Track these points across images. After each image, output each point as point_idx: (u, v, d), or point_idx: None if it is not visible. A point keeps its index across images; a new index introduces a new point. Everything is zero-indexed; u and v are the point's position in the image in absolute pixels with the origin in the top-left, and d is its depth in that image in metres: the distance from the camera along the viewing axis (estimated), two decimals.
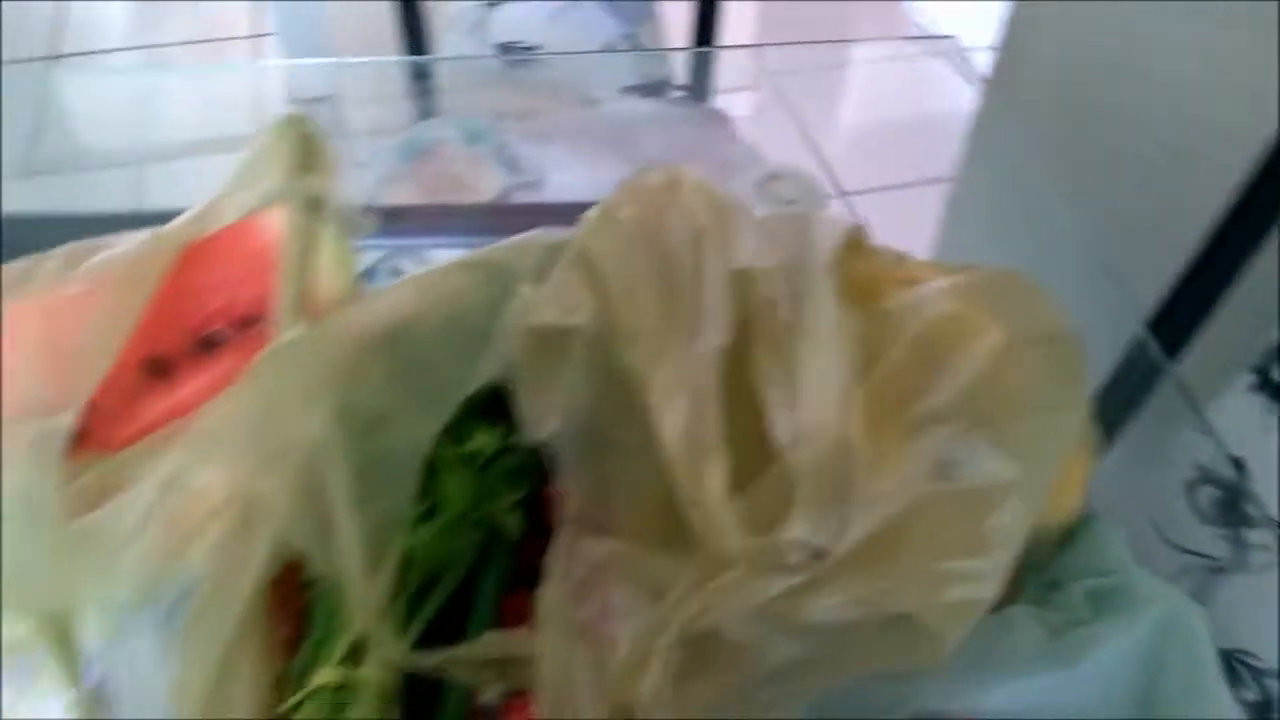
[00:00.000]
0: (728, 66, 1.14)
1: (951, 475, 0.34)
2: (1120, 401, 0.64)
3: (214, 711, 0.33)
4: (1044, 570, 0.47)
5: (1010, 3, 0.88)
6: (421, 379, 0.37)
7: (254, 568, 0.35)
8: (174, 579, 0.34)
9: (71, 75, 1.47)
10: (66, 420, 0.39)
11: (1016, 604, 0.45)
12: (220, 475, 0.35)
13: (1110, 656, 0.42)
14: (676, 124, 0.97)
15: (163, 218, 0.46)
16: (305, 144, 0.44)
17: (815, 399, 0.32)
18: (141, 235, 0.43)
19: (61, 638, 0.35)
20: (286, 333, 0.40)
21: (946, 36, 0.93)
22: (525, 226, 0.42)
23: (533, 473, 0.39)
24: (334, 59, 1.44)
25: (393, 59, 1.18)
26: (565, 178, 0.95)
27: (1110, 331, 0.66)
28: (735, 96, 1.08)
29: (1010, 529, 0.35)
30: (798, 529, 0.29)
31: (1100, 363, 0.63)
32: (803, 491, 0.30)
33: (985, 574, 0.35)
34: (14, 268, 0.47)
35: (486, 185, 0.99)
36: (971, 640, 0.43)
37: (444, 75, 1.04)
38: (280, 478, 0.34)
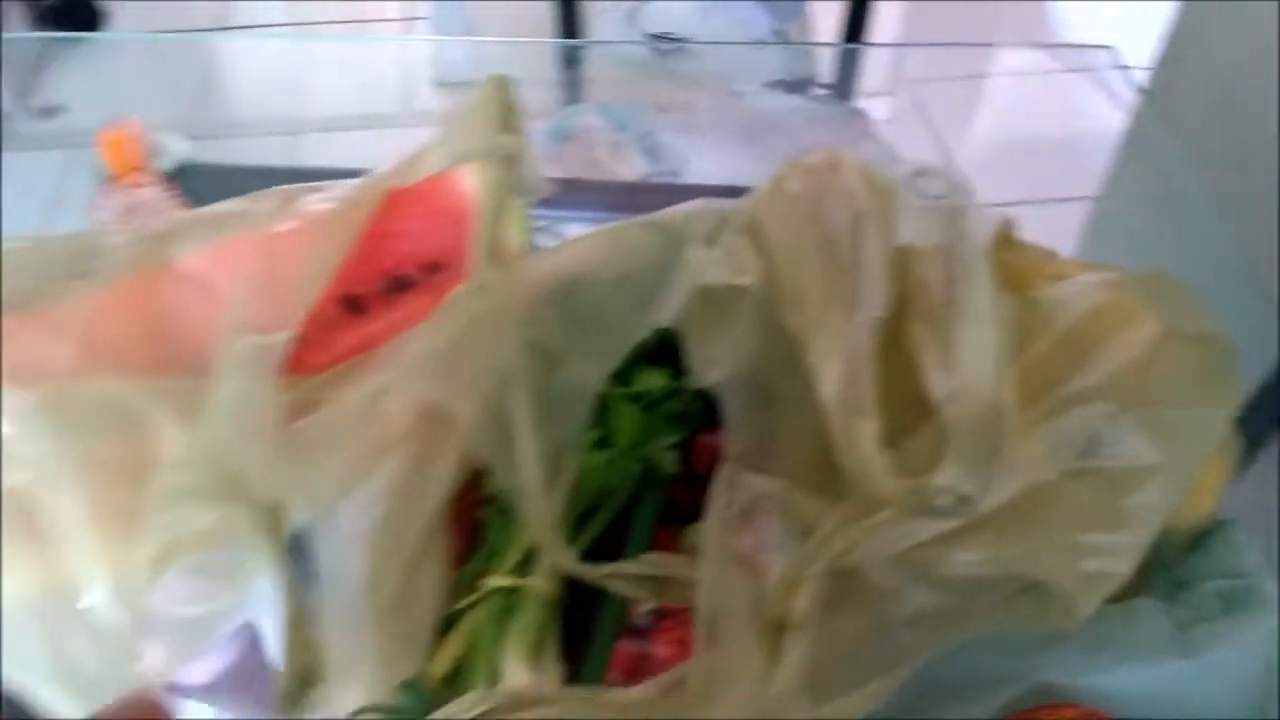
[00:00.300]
0: (870, 70, 1.15)
1: (1097, 452, 0.36)
2: (1262, 419, 0.63)
3: (402, 603, 0.37)
4: (1173, 569, 0.48)
5: (1176, 3, 0.86)
6: (595, 326, 0.41)
7: (443, 478, 0.39)
8: (371, 483, 0.39)
9: (232, 43, 1.57)
10: (282, 339, 0.44)
11: (1143, 597, 0.46)
12: (416, 396, 0.40)
13: (1235, 654, 0.43)
14: (818, 120, 0.99)
15: (322, 175, 0.51)
16: (506, 107, 0.48)
17: (970, 363, 0.34)
18: (351, 183, 0.48)
19: (272, 529, 0.40)
20: (480, 276, 0.44)
21: (1103, 47, 0.92)
22: (661, 205, 0.45)
23: (688, 421, 0.42)
24: (485, 38, 1.51)
25: (543, 40, 1.23)
26: (705, 167, 0.98)
27: (1258, 350, 0.65)
28: (875, 100, 1.09)
29: (1149, 510, 0.37)
30: (948, 475, 0.31)
31: (1244, 380, 0.63)
32: (954, 444, 0.32)
33: (1121, 549, 0.36)
34: (230, 206, 0.52)
35: (627, 171, 1.02)
36: (1097, 623, 0.44)
37: (593, 63, 1.09)
38: (472, 401, 0.38)
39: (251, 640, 0.83)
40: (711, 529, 0.34)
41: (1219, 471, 0.47)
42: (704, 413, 0.43)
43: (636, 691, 0.31)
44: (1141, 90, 0.90)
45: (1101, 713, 0.42)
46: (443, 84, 1.26)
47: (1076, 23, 1.74)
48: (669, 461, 0.41)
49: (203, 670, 0.83)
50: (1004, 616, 0.36)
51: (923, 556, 0.34)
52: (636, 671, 0.36)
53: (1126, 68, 0.92)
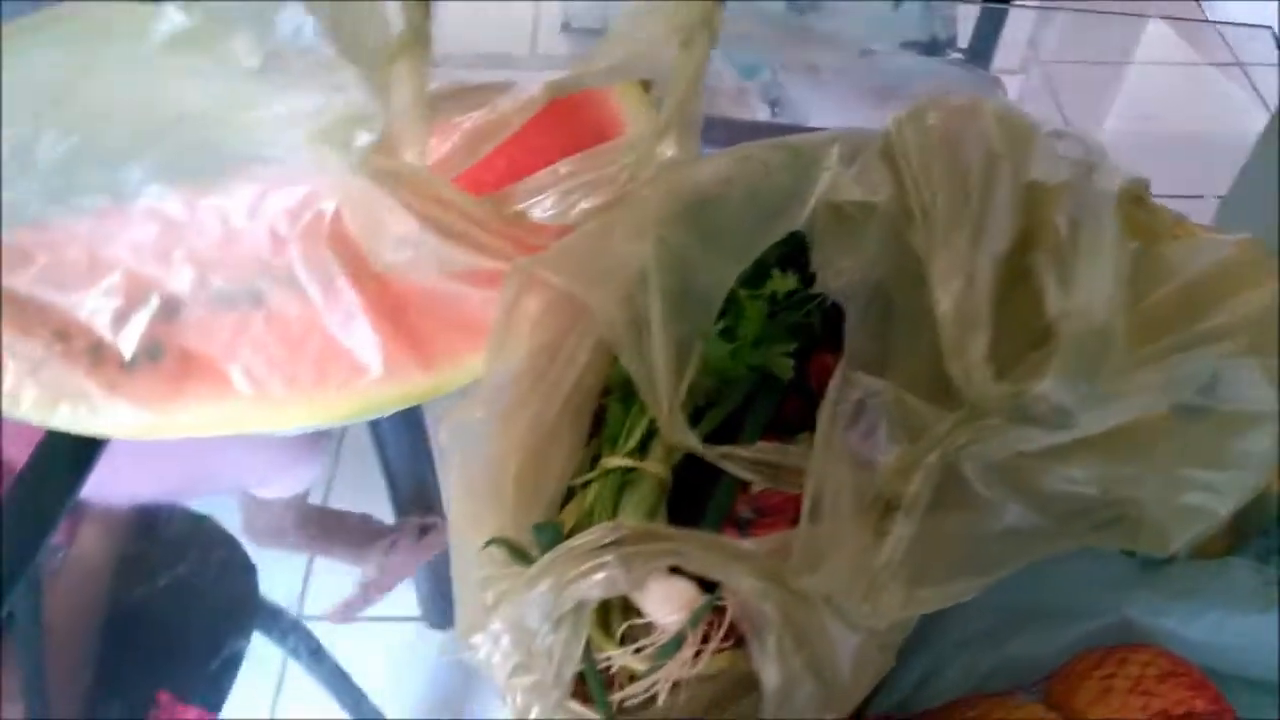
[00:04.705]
0: (1006, 44, 1.13)
1: (1215, 392, 0.37)
2: None
3: (531, 479, 0.40)
4: (1269, 535, 0.48)
5: None
6: (726, 234, 0.43)
7: (579, 361, 0.42)
8: (511, 360, 0.42)
9: None
10: None
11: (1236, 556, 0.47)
12: (556, 286, 0.43)
13: None
14: (951, 84, 0.99)
15: None
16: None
17: (1087, 287, 0.36)
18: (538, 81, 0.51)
19: None
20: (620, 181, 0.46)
21: (1261, 26, 0.89)
22: None
23: (809, 334, 0.45)
24: None
25: None
26: (829, 123, 0.99)
27: None
28: (1006, 78, 1.07)
29: (1260, 456, 0.37)
30: (1046, 384, 0.33)
31: None
32: (1059, 356, 0.34)
33: (1224, 489, 0.37)
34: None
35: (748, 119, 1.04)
36: (1186, 570, 0.45)
37: (729, 13, 1.10)
38: (610, 291, 0.41)
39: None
40: (825, 419, 0.36)
41: None
42: (824, 331, 0.45)
43: (748, 544, 0.34)
44: None
45: (1178, 658, 0.43)
46: (570, 29, 1.28)
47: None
48: (785, 367, 0.43)
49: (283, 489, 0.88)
50: (1096, 539, 0.37)
51: (1027, 468, 0.36)
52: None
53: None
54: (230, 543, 0.82)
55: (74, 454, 0.50)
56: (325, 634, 1.00)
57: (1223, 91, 0.94)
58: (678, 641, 0.34)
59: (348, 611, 1.09)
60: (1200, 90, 1.06)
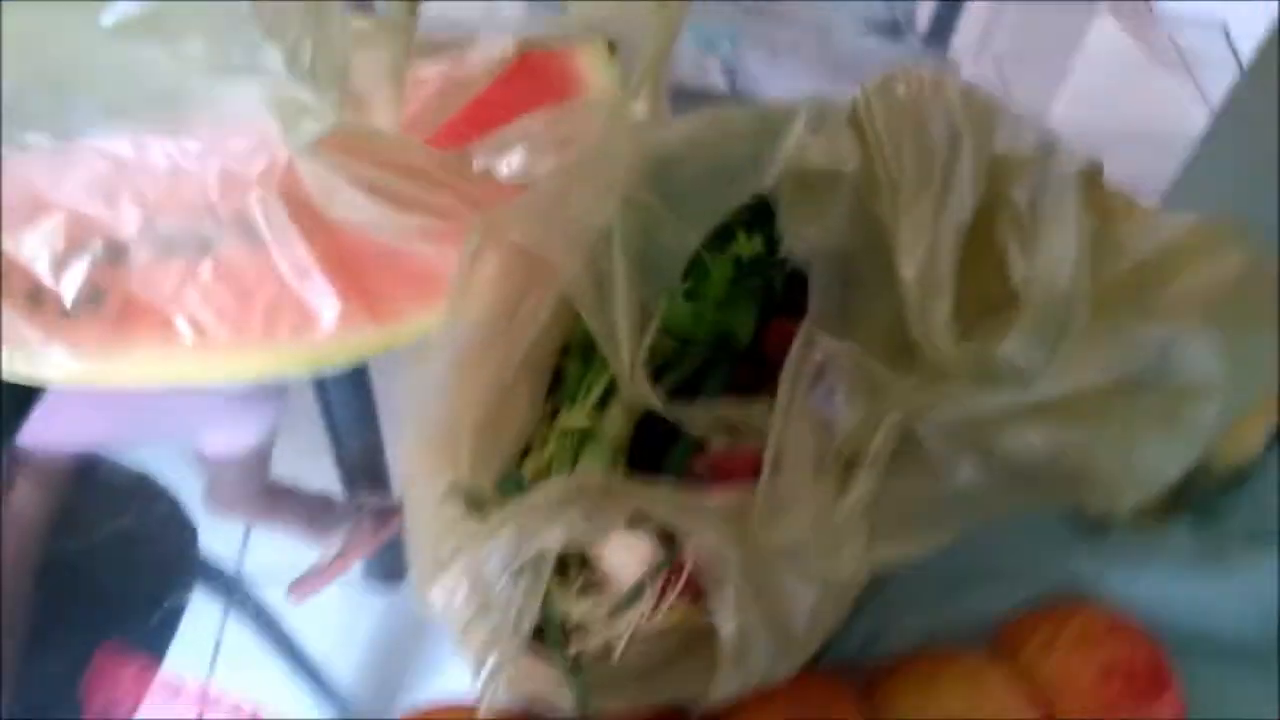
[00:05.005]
0: (961, 32, 1.14)
1: (1166, 363, 0.38)
2: None
3: (488, 434, 0.40)
4: (1209, 501, 0.50)
5: None
6: (690, 196, 0.43)
7: (539, 318, 0.42)
8: (470, 312, 0.42)
9: None
10: None
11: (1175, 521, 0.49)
12: (517, 241, 0.42)
13: (1257, 579, 0.45)
14: (906, 66, 0.99)
15: None
16: None
17: (1051, 255, 0.36)
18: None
19: None
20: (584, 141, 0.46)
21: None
22: None
23: (770, 299, 0.45)
24: None
25: None
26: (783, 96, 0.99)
27: None
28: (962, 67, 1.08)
29: (1206, 426, 0.39)
30: (1010, 344, 0.34)
31: None
32: (1024, 318, 0.34)
33: (1172, 455, 0.38)
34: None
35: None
36: (1129, 533, 0.46)
37: None
38: (569, 250, 0.41)
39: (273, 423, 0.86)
40: (788, 378, 0.36)
41: (1269, 416, 0.48)
42: (784, 298, 0.46)
43: (708, 498, 0.34)
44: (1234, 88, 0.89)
45: (1120, 614, 0.44)
46: None
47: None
48: (747, 330, 0.43)
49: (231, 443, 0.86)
50: (1049, 498, 0.38)
51: (984, 430, 0.36)
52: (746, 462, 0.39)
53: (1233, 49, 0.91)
54: (169, 499, 0.80)
55: (11, 401, 0.49)
56: (265, 592, 0.98)
57: (1167, 87, 0.96)
58: (635, 594, 0.34)
59: (305, 589, 1.08)
60: (1147, 85, 1.09)
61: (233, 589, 0.91)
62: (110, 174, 0.42)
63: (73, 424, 0.68)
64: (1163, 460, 0.38)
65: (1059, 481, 0.38)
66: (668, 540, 0.36)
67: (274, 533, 1.06)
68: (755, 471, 0.39)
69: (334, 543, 1.04)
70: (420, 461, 0.38)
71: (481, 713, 0.34)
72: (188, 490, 0.83)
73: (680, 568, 0.35)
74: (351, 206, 0.43)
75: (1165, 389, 0.39)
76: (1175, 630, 0.45)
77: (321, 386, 1.00)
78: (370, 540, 1.05)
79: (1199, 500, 0.50)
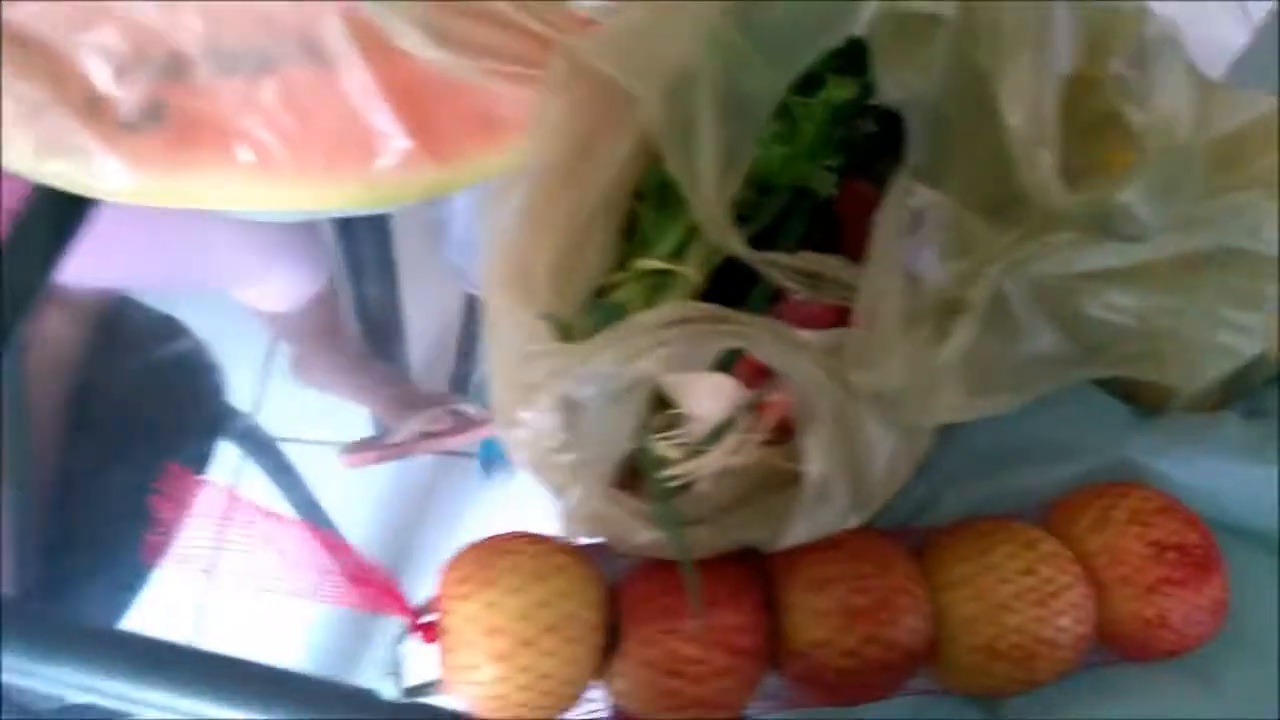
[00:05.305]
0: None
1: (1255, 235, 0.37)
2: None
3: (564, 272, 0.39)
4: (1259, 395, 0.50)
5: None
6: (779, 37, 0.41)
7: (616, 158, 0.40)
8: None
9: None
10: None
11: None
12: (599, 72, 0.41)
13: None
14: None
15: None
16: None
17: (1167, 104, 0.35)
18: None
19: None
20: None
21: None
22: None
23: (850, 154, 0.44)
24: None
25: None
26: None
27: None
28: None
29: None
30: (1130, 194, 0.33)
31: None
32: (1143, 168, 0.33)
33: (1254, 331, 0.38)
34: None
35: None
36: (1183, 420, 0.46)
37: None
38: (653, 84, 0.39)
39: (333, 278, 0.87)
40: (883, 226, 0.35)
41: None
42: (863, 156, 0.44)
43: (805, 334, 0.33)
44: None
45: (1172, 496, 0.44)
46: None
47: None
48: (827, 182, 0.42)
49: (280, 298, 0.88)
50: (1124, 369, 0.38)
51: (1073, 291, 0.36)
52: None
53: None
54: (196, 341, 0.79)
55: (57, 223, 0.47)
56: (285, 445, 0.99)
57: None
58: (719, 433, 0.34)
59: (360, 458, 1.09)
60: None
61: (252, 435, 0.92)
62: None
63: (108, 261, 0.67)
64: (1245, 337, 0.37)
65: (1138, 353, 0.38)
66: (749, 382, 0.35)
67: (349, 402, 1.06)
68: (832, 323, 0.39)
69: (409, 426, 1.05)
70: (499, 292, 0.37)
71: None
72: (217, 337, 0.83)
73: (759, 409, 0.34)
74: (417, 46, 0.41)
75: (1253, 261, 0.38)
76: (1221, 518, 0.45)
77: (346, 232, 0.98)
78: (442, 443, 1.06)
79: (1250, 393, 0.50)
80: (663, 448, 0.35)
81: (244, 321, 0.93)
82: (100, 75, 0.41)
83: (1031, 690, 0.42)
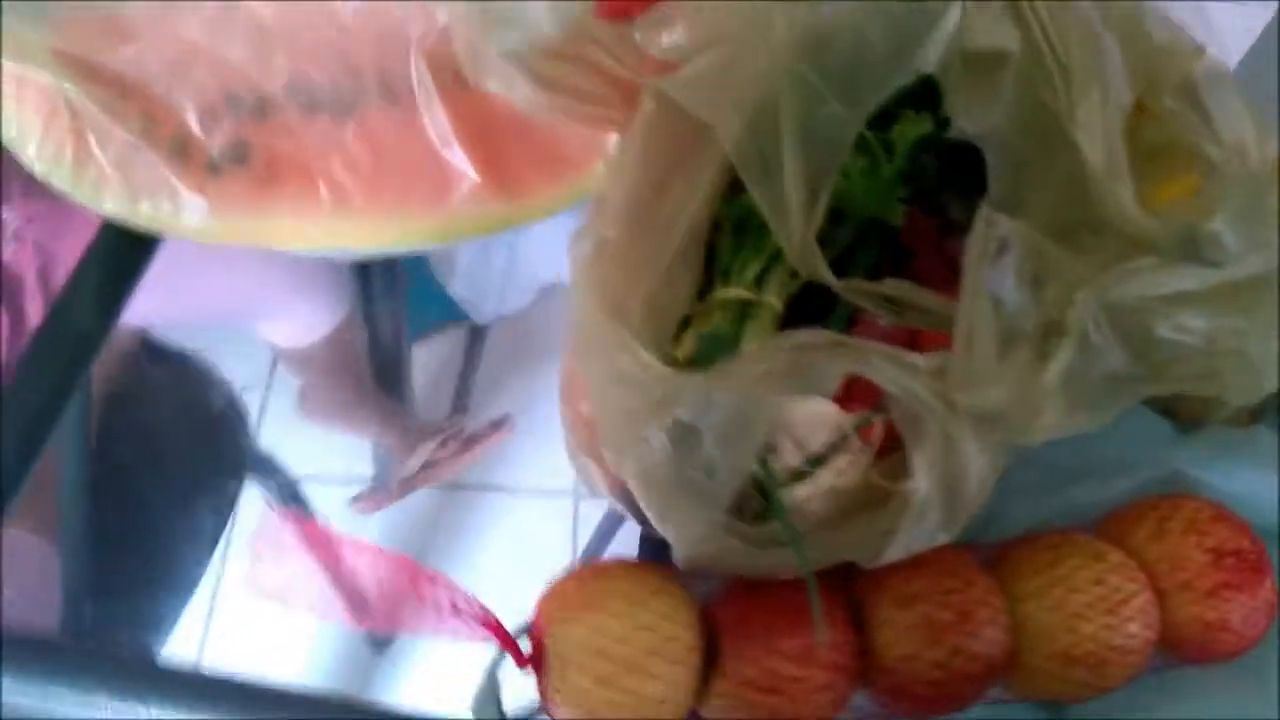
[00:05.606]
0: None
1: None
2: None
3: (656, 304, 0.40)
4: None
5: None
6: (849, 77, 0.43)
7: (699, 191, 0.42)
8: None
9: None
10: None
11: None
12: (683, 109, 0.42)
13: None
14: None
15: None
16: None
17: (1234, 132, 0.37)
18: None
19: None
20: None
21: None
22: None
23: (916, 187, 0.46)
24: None
25: None
26: None
27: None
28: None
29: None
30: (1219, 222, 0.35)
31: None
32: (1226, 195, 0.35)
33: None
34: None
35: None
36: (1222, 433, 0.49)
37: None
38: (740, 119, 0.41)
39: (349, 316, 0.88)
40: (971, 259, 0.37)
41: None
42: (924, 188, 0.46)
43: (913, 356, 0.35)
44: None
45: (1223, 505, 0.47)
46: None
47: None
48: (898, 213, 0.44)
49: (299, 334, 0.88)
50: (1189, 386, 0.40)
51: (1146, 313, 0.38)
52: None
53: None
54: (223, 384, 0.79)
55: (120, 266, 0.48)
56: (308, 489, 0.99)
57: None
58: (825, 457, 0.36)
59: (375, 505, 1.08)
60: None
61: (276, 476, 0.91)
62: (262, 27, 0.41)
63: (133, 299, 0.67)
64: None
65: (1200, 373, 0.40)
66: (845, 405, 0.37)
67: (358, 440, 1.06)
68: (904, 345, 0.41)
69: (413, 460, 1.05)
70: (602, 326, 0.38)
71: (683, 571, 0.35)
72: (242, 376, 0.83)
73: (866, 432, 0.36)
74: (503, 80, 0.43)
75: None
76: (1264, 523, 0.48)
77: (361, 266, 0.99)
78: (451, 468, 1.06)
79: (1276, 411, 0.52)
80: (780, 471, 0.36)
81: (245, 354, 0.92)
82: (190, 117, 0.42)
83: (1102, 695, 0.44)
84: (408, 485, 1.11)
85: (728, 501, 0.35)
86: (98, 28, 0.39)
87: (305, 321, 0.86)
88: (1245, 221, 0.35)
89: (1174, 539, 0.45)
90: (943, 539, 0.39)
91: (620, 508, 0.42)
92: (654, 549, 0.43)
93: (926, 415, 0.34)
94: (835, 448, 0.36)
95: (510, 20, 0.39)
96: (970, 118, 0.40)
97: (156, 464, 0.73)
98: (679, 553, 0.35)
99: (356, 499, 1.11)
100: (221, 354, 0.85)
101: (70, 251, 0.54)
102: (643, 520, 0.42)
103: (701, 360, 0.37)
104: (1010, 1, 0.43)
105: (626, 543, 0.56)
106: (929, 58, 0.42)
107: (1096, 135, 0.38)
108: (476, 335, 1.28)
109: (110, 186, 0.41)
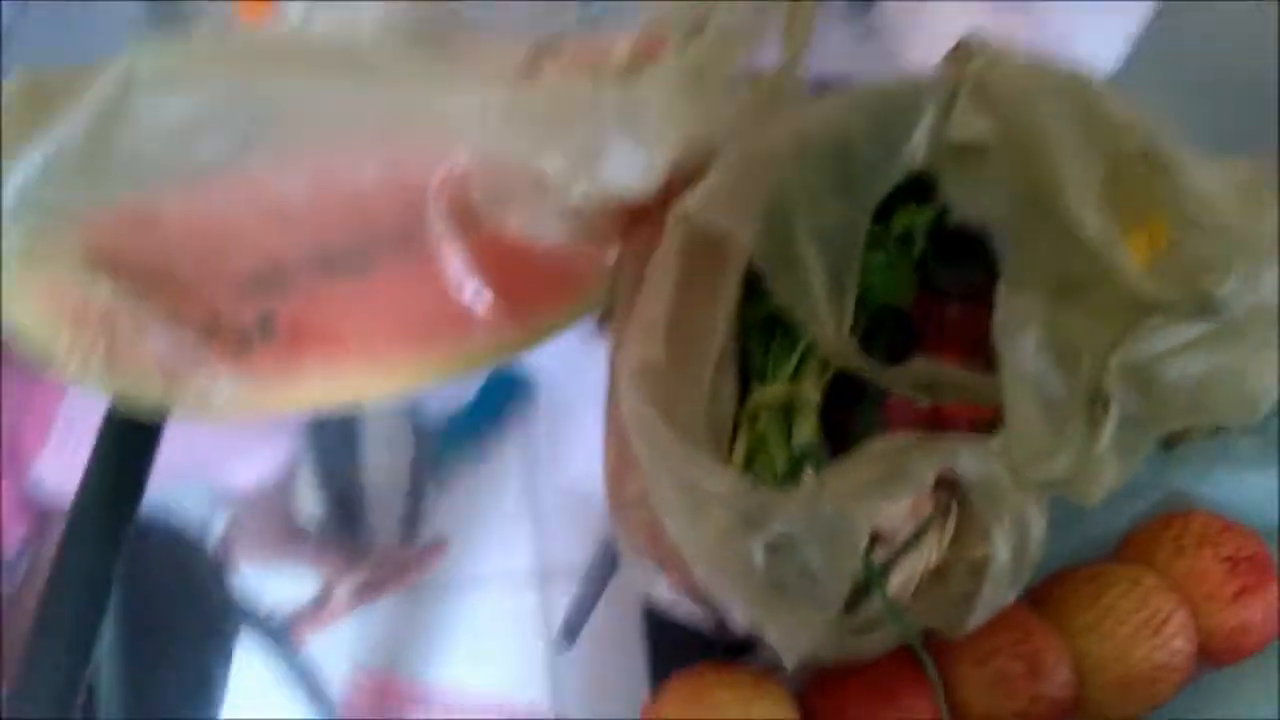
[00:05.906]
0: None
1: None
2: None
3: (712, 419, 0.42)
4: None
5: None
6: (845, 180, 0.46)
7: (728, 302, 0.44)
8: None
9: None
10: None
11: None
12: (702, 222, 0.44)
13: None
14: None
15: None
16: None
17: (1211, 194, 0.41)
18: None
19: None
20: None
21: None
22: None
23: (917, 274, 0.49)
24: None
25: None
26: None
27: None
28: None
29: None
30: (1233, 284, 0.39)
31: None
32: (1238, 251, 0.39)
33: None
34: None
35: None
36: (1203, 447, 0.53)
37: None
38: (759, 226, 0.43)
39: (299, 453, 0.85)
40: (1002, 338, 0.40)
41: None
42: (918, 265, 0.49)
43: (988, 442, 0.37)
44: None
45: (1224, 517, 0.51)
46: None
47: None
48: (909, 295, 0.47)
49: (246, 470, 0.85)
50: (1192, 417, 0.44)
51: (1158, 361, 0.41)
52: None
53: None
54: (199, 546, 0.76)
55: (136, 455, 0.46)
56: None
57: None
58: (912, 543, 0.38)
59: (309, 626, 1.04)
60: None
61: (266, 629, 0.88)
62: (287, 205, 0.41)
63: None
64: None
65: (1200, 404, 0.44)
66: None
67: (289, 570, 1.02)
68: (930, 420, 0.43)
69: (347, 580, 1.02)
70: (662, 445, 0.39)
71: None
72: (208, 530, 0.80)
73: (943, 513, 0.38)
74: (529, 219, 0.44)
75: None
76: (1257, 523, 0.52)
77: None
78: (387, 589, 1.03)
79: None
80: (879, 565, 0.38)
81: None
82: (218, 298, 0.41)
83: (1155, 711, 0.47)
84: (336, 611, 1.08)
85: (840, 603, 0.37)
86: (127, 220, 0.39)
87: (252, 462, 0.84)
88: (1250, 284, 0.39)
89: (1192, 554, 0.49)
90: (1012, 597, 0.41)
91: (694, 608, 0.43)
92: (660, 625, 0.44)
93: (1002, 493, 0.36)
94: (919, 533, 0.38)
95: (600, 176, 0.40)
96: (967, 205, 0.44)
97: (146, 629, 0.70)
98: (788, 654, 0.36)
99: (296, 618, 1.07)
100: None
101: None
102: (719, 620, 0.43)
103: (790, 473, 0.39)
104: (972, 92, 0.47)
105: (611, 619, 0.57)
106: (916, 155, 0.45)
107: (1087, 208, 0.42)
108: (423, 446, 1.26)
109: (144, 376, 0.40)
